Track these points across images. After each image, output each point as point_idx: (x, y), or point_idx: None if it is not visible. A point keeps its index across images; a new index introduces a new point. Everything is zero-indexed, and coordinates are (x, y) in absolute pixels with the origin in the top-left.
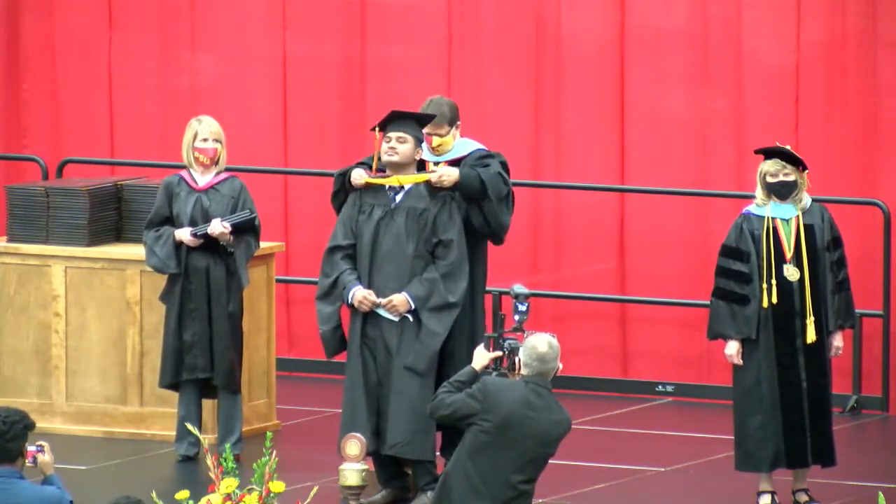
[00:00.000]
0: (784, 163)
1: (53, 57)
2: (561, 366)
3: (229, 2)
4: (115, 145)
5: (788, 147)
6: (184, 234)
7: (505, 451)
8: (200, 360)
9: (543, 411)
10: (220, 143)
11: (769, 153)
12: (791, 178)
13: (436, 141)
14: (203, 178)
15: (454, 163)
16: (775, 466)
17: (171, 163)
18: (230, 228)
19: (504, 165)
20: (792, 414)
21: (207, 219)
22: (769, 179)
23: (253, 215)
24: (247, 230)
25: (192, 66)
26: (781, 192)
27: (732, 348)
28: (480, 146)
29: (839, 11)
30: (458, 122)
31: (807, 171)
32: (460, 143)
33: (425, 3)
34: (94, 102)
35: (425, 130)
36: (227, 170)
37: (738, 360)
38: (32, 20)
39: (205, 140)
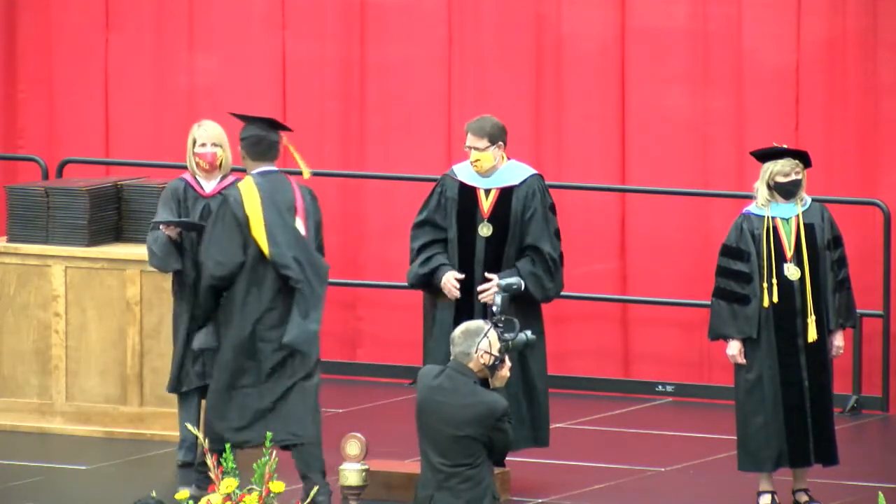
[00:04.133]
0: (798, 161)
1: (50, 57)
2: (479, 348)
3: (228, 1)
4: (112, 146)
5: (785, 146)
6: (169, 232)
7: (422, 436)
8: (209, 366)
9: (451, 395)
10: (221, 146)
11: (775, 154)
12: (800, 176)
13: (474, 155)
14: (209, 184)
15: (506, 191)
16: (778, 466)
17: (169, 163)
18: None
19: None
20: (794, 413)
21: None
22: (781, 179)
23: None
24: None
25: (189, 66)
26: (792, 191)
27: (734, 348)
28: (531, 171)
29: (839, 11)
30: (501, 143)
31: (807, 169)
32: (509, 167)
33: (425, 3)
34: (90, 102)
35: (466, 144)
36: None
37: (741, 360)
38: (29, 20)
39: (203, 145)
